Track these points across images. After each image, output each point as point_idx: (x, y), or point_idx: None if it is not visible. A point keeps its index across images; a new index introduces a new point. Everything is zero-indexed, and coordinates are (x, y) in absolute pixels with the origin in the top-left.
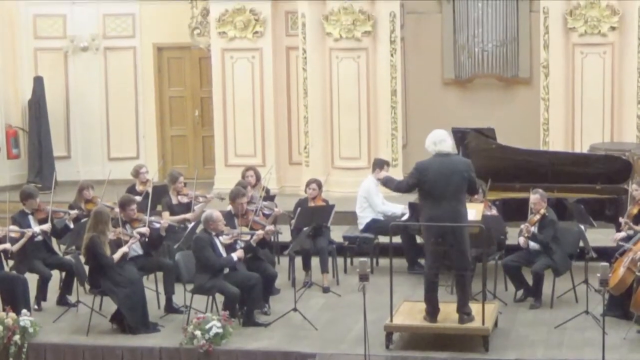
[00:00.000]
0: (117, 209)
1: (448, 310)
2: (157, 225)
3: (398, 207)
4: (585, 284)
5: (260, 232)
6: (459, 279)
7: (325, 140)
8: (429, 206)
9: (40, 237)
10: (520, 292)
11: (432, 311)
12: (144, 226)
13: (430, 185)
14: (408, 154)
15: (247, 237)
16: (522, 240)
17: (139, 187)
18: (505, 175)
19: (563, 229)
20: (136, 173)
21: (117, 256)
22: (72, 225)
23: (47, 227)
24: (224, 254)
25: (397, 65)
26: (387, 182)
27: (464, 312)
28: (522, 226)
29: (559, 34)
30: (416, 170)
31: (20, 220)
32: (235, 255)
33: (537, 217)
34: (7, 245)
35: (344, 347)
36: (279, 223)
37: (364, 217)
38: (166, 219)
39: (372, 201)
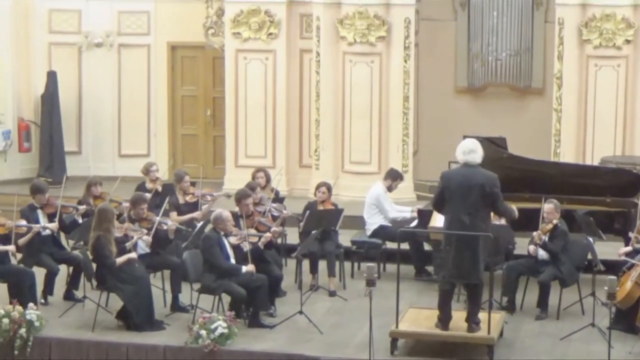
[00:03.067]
0: (125, 204)
1: (454, 318)
2: (165, 227)
3: (407, 210)
4: (593, 297)
5: (268, 234)
6: (472, 289)
7: (336, 144)
8: (449, 216)
9: (48, 232)
10: (505, 300)
11: (445, 319)
12: (152, 227)
13: (451, 195)
14: (418, 161)
15: (255, 239)
16: (532, 248)
17: (148, 185)
18: (515, 185)
19: (572, 240)
20: (146, 171)
21: (120, 260)
22: (80, 220)
23: (53, 226)
24: (232, 255)
25: (410, 71)
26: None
27: (473, 322)
28: (534, 233)
29: (573, 46)
30: (441, 179)
31: (29, 214)
32: (244, 268)
33: (550, 226)
34: (11, 247)
35: (349, 351)
36: (287, 225)
37: (372, 224)
38: (174, 220)
39: (383, 208)
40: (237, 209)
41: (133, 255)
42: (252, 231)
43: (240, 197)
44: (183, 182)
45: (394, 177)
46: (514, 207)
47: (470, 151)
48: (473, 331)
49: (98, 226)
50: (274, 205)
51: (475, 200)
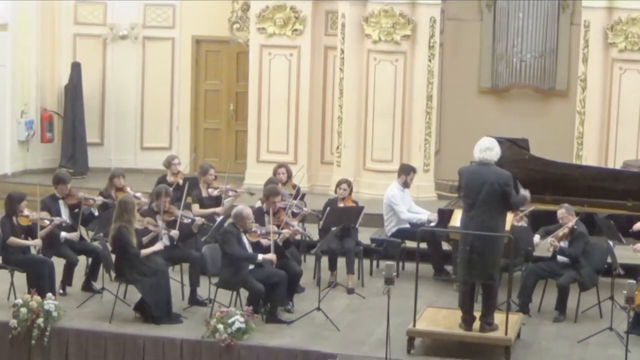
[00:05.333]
0: (143, 199)
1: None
2: (188, 221)
3: (424, 213)
4: (611, 300)
5: (286, 231)
6: (485, 288)
7: (358, 142)
8: (463, 213)
9: (69, 222)
10: (519, 302)
11: (468, 319)
12: (175, 220)
13: (464, 192)
14: (440, 160)
15: (275, 236)
16: (537, 238)
17: (170, 178)
18: (537, 186)
19: (592, 244)
20: (168, 164)
21: (145, 252)
22: (96, 213)
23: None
24: (250, 250)
25: (434, 70)
26: None
27: (486, 322)
28: (549, 239)
29: (598, 49)
30: (458, 173)
31: (50, 204)
32: (261, 256)
33: (566, 230)
34: (36, 242)
35: (366, 349)
36: (306, 222)
37: (391, 227)
38: (196, 213)
39: (396, 209)
40: (257, 205)
41: (159, 247)
42: (273, 228)
43: (269, 194)
44: (208, 175)
45: (406, 172)
46: (524, 192)
47: (487, 149)
48: (485, 331)
49: (119, 217)
50: (295, 202)
51: (486, 199)
